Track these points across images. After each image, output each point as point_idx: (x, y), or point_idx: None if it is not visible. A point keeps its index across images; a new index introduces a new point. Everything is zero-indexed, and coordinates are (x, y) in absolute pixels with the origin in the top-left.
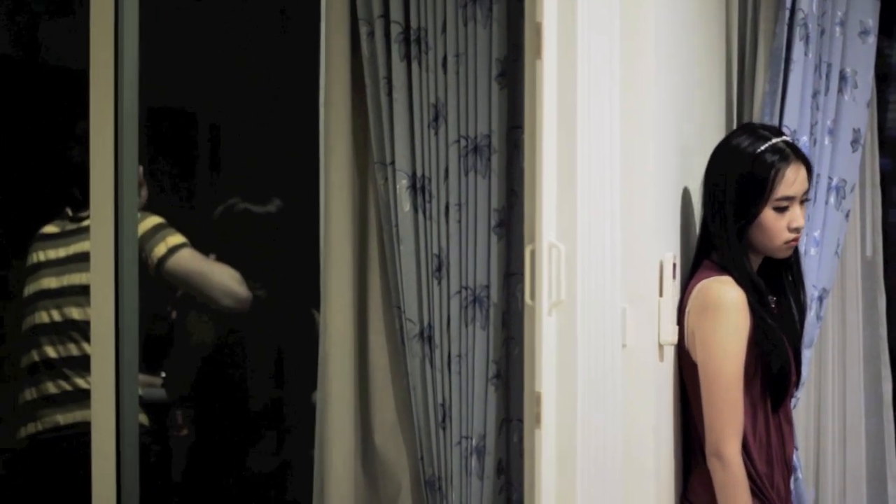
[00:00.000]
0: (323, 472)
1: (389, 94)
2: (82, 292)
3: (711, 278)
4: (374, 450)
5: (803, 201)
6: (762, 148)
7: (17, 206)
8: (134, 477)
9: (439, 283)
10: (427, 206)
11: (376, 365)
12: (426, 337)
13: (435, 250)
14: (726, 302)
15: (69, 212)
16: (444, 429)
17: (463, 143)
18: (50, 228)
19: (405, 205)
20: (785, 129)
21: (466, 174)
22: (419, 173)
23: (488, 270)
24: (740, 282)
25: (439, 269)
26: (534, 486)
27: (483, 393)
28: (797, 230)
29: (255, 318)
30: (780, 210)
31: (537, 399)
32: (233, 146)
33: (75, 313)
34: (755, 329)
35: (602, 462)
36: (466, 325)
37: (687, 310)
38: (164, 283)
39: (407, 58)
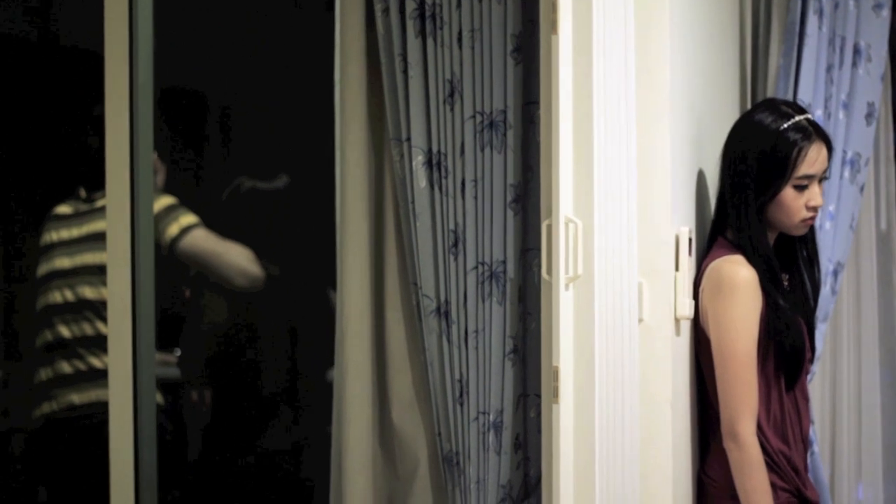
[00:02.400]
0: (340, 448)
1: (405, 70)
2: (95, 272)
3: (723, 258)
4: (391, 426)
5: (821, 179)
6: (785, 125)
7: (31, 187)
8: (151, 456)
9: (456, 258)
10: (443, 182)
11: (393, 341)
12: (443, 313)
13: (451, 226)
14: (738, 282)
15: (82, 192)
16: (461, 404)
17: (478, 118)
18: (63, 209)
19: (421, 181)
20: (799, 103)
21: (482, 150)
22: (435, 149)
23: (504, 246)
24: (752, 260)
25: (455, 244)
26: (551, 460)
27: (500, 368)
28: (815, 209)
29: (269, 297)
30: (800, 188)
31: (555, 374)
32: (245, 125)
33: (88, 293)
34: (767, 309)
35: (619, 437)
36: (483, 301)
37: (700, 288)
38: (178, 263)
39: (422, 34)
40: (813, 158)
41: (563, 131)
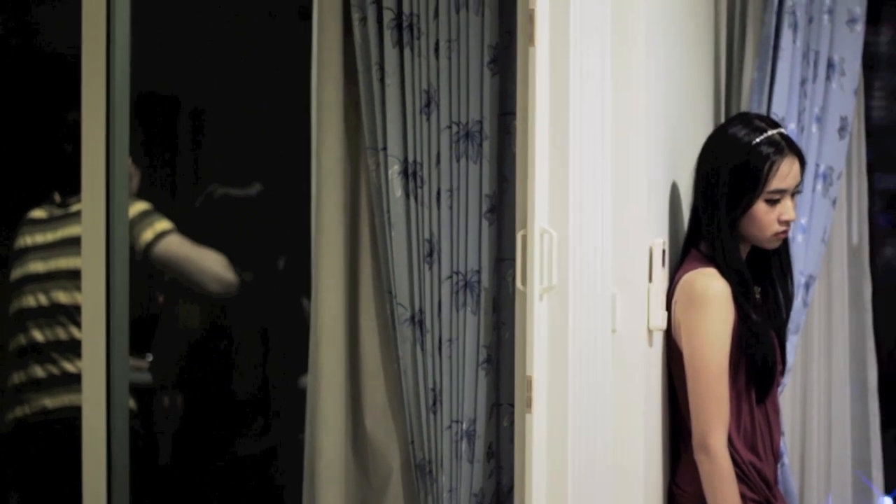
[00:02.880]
0: (313, 455)
1: (382, 79)
2: (69, 276)
3: (696, 270)
4: (364, 433)
5: (794, 193)
6: (758, 140)
7: (5, 191)
8: (124, 461)
9: (430, 268)
10: (419, 191)
11: (367, 349)
12: (417, 321)
13: (426, 235)
14: (711, 294)
15: (57, 197)
16: (434, 413)
17: (454, 128)
18: (37, 213)
19: (397, 190)
20: (773, 117)
21: (458, 160)
22: (411, 159)
23: (479, 256)
24: (725, 273)
25: (430, 254)
26: (524, 469)
27: (473, 377)
28: (787, 223)
29: (242, 303)
30: (772, 202)
31: (528, 383)
32: (220, 131)
33: (62, 297)
34: (739, 322)
35: (592, 447)
36: (457, 310)
37: (673, 300)
38: (151, 269)
39: (399, 44)
40: (785, 173)
41: (539, 142)
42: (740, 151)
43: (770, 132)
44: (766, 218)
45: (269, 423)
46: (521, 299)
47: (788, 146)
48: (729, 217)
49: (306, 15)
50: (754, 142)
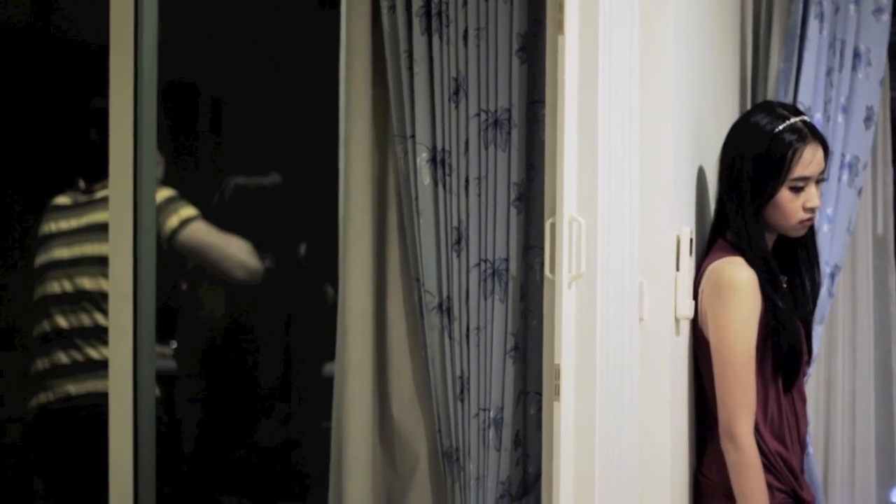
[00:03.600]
0: (340, 443)
1: (410, 67)
2: (94, 263)
3: (723, 259)
4: (391, 421)
5: (819, 181)
6: (780, 127)
7: (30, 177)
8: (150, 447)
9: (458, 255)
10: (447, 179)
11: (395, 337)
12: (445, 309)
13: (454, 223)
14: (738, 284)
15: (82, 184)
16: (461, 401)
17: (483, 116)
18: (62, 200)
19: (425, 178)
20: (799, 106)
21: (486, 148)
22: (439, 146)
23: (507, 243)
24: (752, 262)
25: (458, 241)
26: (552, 457)
27: (501, 365)
28: (812, 210)
29: (267, 290)
30: (796, 190)
31: (556, 372)
32: (247, 120)
33: (87, 284)
34: (765, 311)
35: (619, 434)
36: (485, 298)
37: (700, 290)
38: (176, 255)
39: (428, 31)
40: (808, 160)
41: (567, 130)
42: (763, 139)
43: (793, 119)
44: (790, 206)
45: (293, 412)
46: (550, 287)
47: (812, 133)
48: (754, 205)
49: (335, 3)
50: (777, 129)
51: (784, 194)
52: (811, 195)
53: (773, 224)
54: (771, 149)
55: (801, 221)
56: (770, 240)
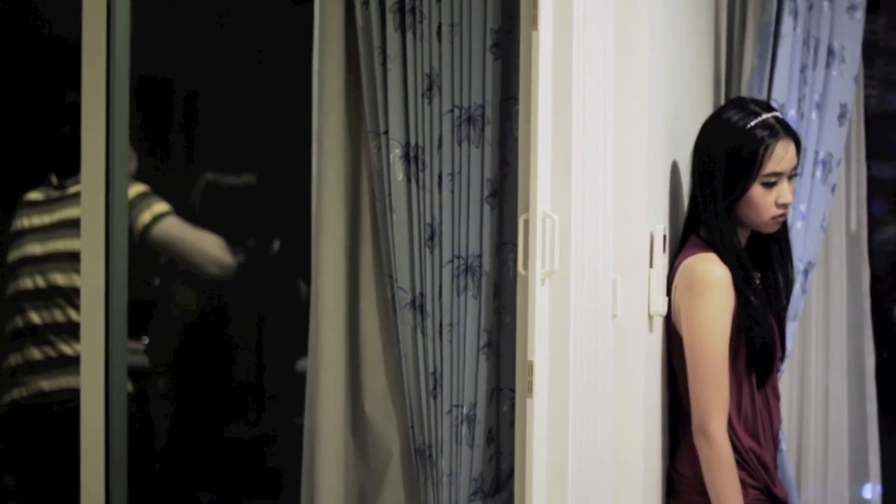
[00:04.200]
0: (313, 439)
1: (384, 63)
2: (67, 258)
3: (696, 256)
4: (364, 418)
5: (791, 177)
6: (752, 123)
7: (1, 173)
8: (122, 443)
9: (431, 252)
10: (420, 175)
11: (367, 333)
12: (418, 306)
13: (427, 219)
14: (711, 280)
15: (54, 179)
16: (434, 397)
17: (456, 112)
18: (34, 195)
19: (398, 174)
20: (773, 103)
21: (460, 144)
22: (412, 143)
23: (480, 240)
24: (725, 259)
25: (432, 238)
26: (525, 454)
27: (474, 362)
28: (785, 206)
29: (239, 286)
30: (769, 185)
31: (530, 368)
32: (219, 115)
33: (60, 279)
34: (739, 307)
35: (592, 431)
36: (458, 294)
37: (674, 286)
38: (148, 251)
39: (401, 27)
40: (780, 156)
41: (541, 127)
42: (735, 135)
43: (764, 115)
44: (762, 201)
45: (266, 407)
46: (523, 284)
47: (783, 129)
48: (726, 201)
49: None
50: (748, 125)
51: (756, 190)
52: (783, 191)
53: (746, 220)
54: (743, 145)
55: (774, 217)
56: (743, 236)
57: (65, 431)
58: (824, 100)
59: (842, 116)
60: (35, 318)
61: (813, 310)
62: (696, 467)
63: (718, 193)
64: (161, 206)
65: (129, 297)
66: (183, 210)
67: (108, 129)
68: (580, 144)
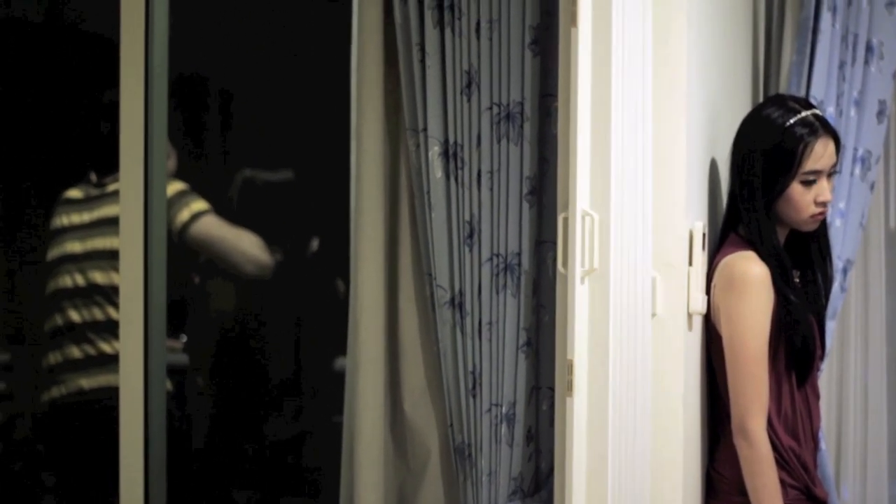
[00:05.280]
0: (352, 438)
1: (422, 60)
2: (106, 257)
3: (736, 254)
4: (403, 416)
5: (831, 175)
6: (792, 121)
7: (42, 171)
8: (161, 441)
9: (470, 250)
10: (459, 172)
11: (406, 332)
12: (457, 304)
13: (466, 217)
14: (750, 278)
15: (93, 177)
16: (473, 396)
17: (495, 110)
18: (74, 193)
19: (437, 171)
20: (812, 100)
21: (499, 141)
22: (451, 140)
23: (520, 238)
24: (764, 257)
25: (471, 236)
26: (564, 453)
27: (513, 360)
28: (824, 204)
29: (277, 285)
30: (808, 184)
31: (569, 367)
32: (258, 113)
33: (99, 277)
34: (778, 305)
35: (632, 431)
36: (497, 293)
37: (713, 284)
38: (187, 249)
39: (440, 24)
40: (819, 153)
41: (580, 124)
42: (774, 133)
43: (804, 113)
44: (802, 199)
45: (304, 406)
46: (563, 282)
47: (823, 127)
48: (765, 199)
49: None
50: (788, 123)
51: (795, 188)
52: (823, 189)
53: (785, 218)
54: (782, 142)
55: (813, 216)
56: (782, 234)
57: (104, 430)
58: (863, 96)
59: (880, 113)
60: (74, 316)
61: (852, 308)
62: (735, 467)
63: (757, 191)
64: (200, 205)
65: (167, 295)
66: (221, 207)
67: (147, 128)
68: (619, 142)
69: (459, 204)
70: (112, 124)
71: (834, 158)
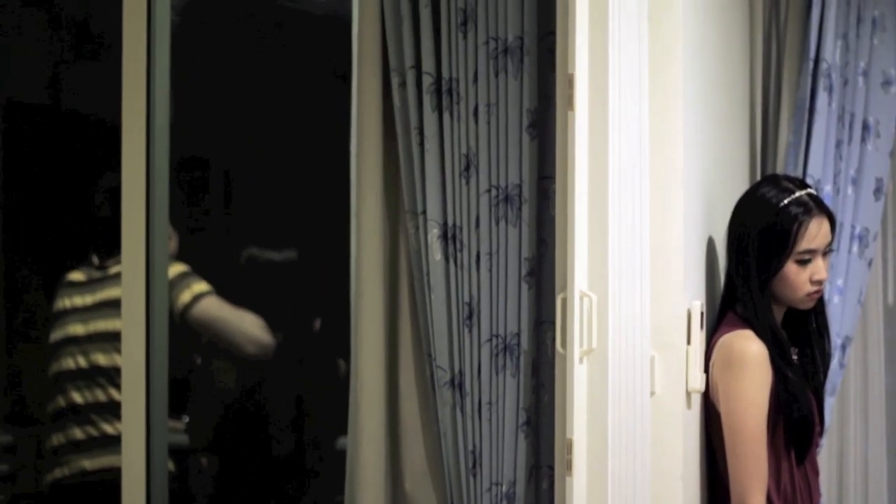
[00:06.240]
0: None
1: (421, 143)
2: (108, 339)
3: (733, 333)
4: (404, 496)
5: (826, 253)
6: (786, 201)
7: (43, 253)
8: None
9: (470, 330)
10: (458, 254)
11: (407, 412)
12: (457, 384)
13: (466, 298)
14: (748, 356)
15: (95, 260)
16: (474, 475)
17: (494, 192)
18: (76, 276)
19: (436, 254)
20: (809, 179)
21: (497, 223)
22: (450, 222)
23: (518, 318)
24: (762, 335)
25: (470, 317)
26: None
27: (513, 440)
28: (820, 282)
29: (279, 365)
30: (803, 263)
31: (569, 446)
32: (259, 194)
33: (101, 359)
34: (776, 383)
35: None
36: (497, 373)
37: (711, 363)
38: (188, 330)
39: (438, 108)
40: (814, 233)
41: (578, 206)
42: (769, 213)
43: (798, 193)
44: (797, 279)
45: (306, 486)
46: (562, 362)
47: (817, 206)
48: (760, 279)
49: (346, 78)
50: (782, 203)
51: (790, 267)
52: (818, 268)
53: (782, 297)
54: (776, 222)
55: (809, 294)
56: (779, 312)
57: None
58: (860, 175)
59: (878, 191)
60: (77, 397)
61: (851, 384)
62: None
63: (753, 270)
64: (201, 286)
65: (169, 376)
66: (223, 288)
67: (148, 210)
68: (616, 222)
69: (459, 285)
70: (113, 207)
71: (829, 237)
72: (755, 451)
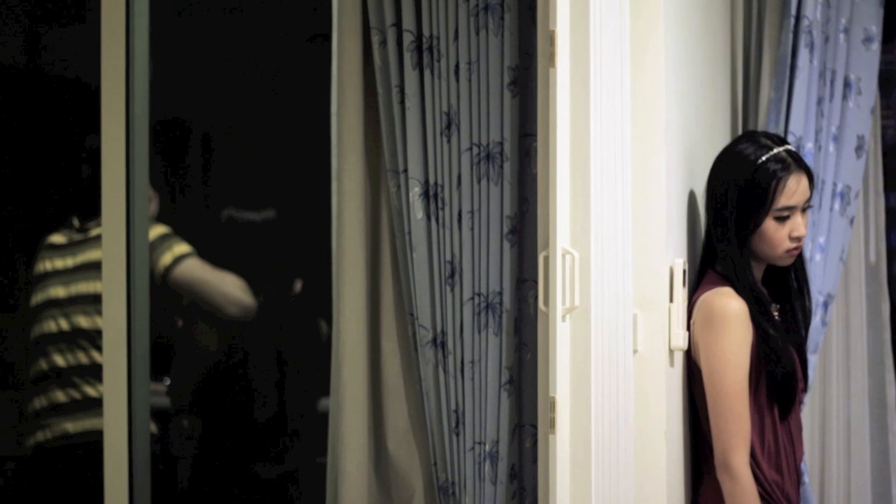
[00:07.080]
0: (336, 477)
1: (402, 102)
2: (90, 301)
3: (713, 290)
4: (387, 455)
5: (805, 209)
6: (764, 158)
7: (24, 216)
8: (146, 485)
9: (452, 289)
10: (440, 213)
11: (389, 371)
12: (439, 343)
13: (448, 257)
14: (728, 314)
15: (76, 222)
16: (457, 434)
17: (475, 150)
18: (57, 238)
19: (418, 212)
20: (790, 136)
21: (479, 181)
22: (432, 181)
23: (501, 277)
24: (741, 292)
25: (452, 275)
26: (548, 490)
27: (496, 399)
28: (799, 239)
29: (260, 326)
30: (782, 219)
31: (552, 404)
32: (239, 155)
33: (83, 322)
34: (757, 340)
35: (615, 467)
36: (479, 332)
37: (692, 321)
38: (170, 292)
39: (419, 66)
40: (792, 189)
41: (560, 163)
42: (747, 169)
43: (776, 149)
44: (776, 235)
45: (288, 447)
46: (544, 320)
47: (795, 162)
48: (739, 236)
49: (326, 37)
50: (760, 160)
51: (769, 224)
52: (797, 224)
53: (761, 254)
54: (755, 179)
55: (788, 251)
56: (759, 269)
57: (89, 473)
58: (841, 132)
59: (859, 148)
60: (59, 360)
61: (833, 342)
62: (719, 501)
63: (731, 228)
64: (182, 248)
65: (150, 338)
66: (204, 250)
67: (128, 172)
68: (599, 180)
69: (440, 244)
70: (94, 169)
71: (807, 194)
72: (736, 408)
